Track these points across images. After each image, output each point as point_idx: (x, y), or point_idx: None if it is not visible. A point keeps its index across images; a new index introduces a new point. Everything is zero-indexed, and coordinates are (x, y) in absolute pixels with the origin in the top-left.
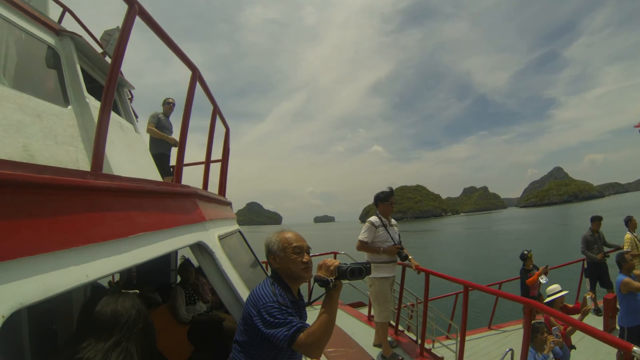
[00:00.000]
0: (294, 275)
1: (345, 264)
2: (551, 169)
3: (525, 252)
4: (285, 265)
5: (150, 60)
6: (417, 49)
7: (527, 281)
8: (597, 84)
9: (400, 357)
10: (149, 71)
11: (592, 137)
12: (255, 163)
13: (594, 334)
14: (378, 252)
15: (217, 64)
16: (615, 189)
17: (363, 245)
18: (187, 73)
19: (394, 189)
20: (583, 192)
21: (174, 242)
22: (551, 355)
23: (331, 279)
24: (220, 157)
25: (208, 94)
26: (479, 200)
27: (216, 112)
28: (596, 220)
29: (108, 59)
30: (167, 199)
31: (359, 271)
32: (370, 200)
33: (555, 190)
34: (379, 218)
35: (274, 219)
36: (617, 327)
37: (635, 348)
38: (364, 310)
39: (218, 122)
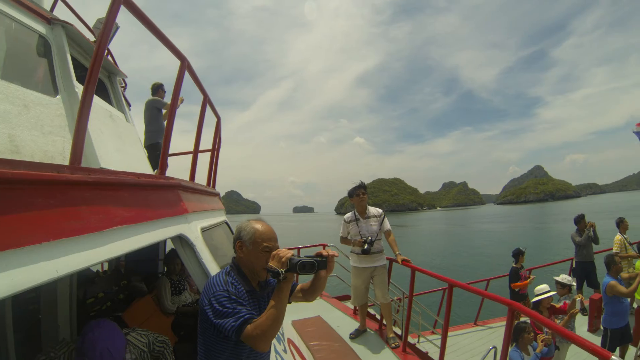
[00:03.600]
0: (254, 270)
1: (298, 256)
2: (532, 167)
3: (522, 249)
4: (250, 259)
5: (136, 44)
6: (407, 41)
7: (513, 285)
8: (583, 85)
9: (353, 334)
10: (134, 55)
11: (575, 138)
12: (238, 151)
13: (573, 340)
14: (350, 245)
15: (205, 49)
16: (593, 189)
17: (342, 240)
18: (176, 59)
19: (365, 182)
20: (560, 192)
21: (152, 235)
22: (532, 351)
23: (282, 271)
24: (209, 147)
25: (198, 84)
26: (458, 196)
27: (206, 101)
28: (581, 219)
29: None
30: (148, 191)
31: (310, 265)
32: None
33: (532, 188)
34: (353, 213)
35: (252, 208)
36: (602, 328)
37: (613, 357)
38: (350, 304)
39: (208, 111)
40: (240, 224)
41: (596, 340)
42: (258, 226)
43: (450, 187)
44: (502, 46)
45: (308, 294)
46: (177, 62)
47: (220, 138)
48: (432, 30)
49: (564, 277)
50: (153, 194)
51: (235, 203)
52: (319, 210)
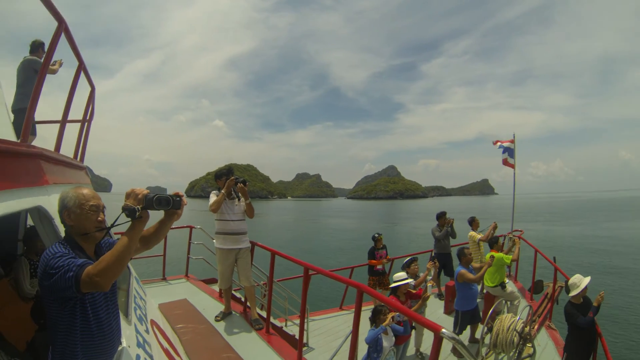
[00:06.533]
0: (87, 233)
1: (155, 193)
2: (386, 167)
3: (376, 236)
4: (80, 223)
5: None
6: (286, 31)
7: (369, 262)
8: (444, 100)
9: (218, 317)
10: None
11: (430, 145)
12: (93, 122)
13: (411, 317)
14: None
15: (78, 2)
16: (440, 192)
17: (214, 204)
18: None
19: (219, 166)
20: (409, 191)
21: (6, 206)
22: (390, 332)
23: (138, 207)
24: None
25: (74, 49)
26: (311, 187)
27: (81, 69)
28: (442, 216)
29: None
30: (6, 159)
31: (165, 201)
32: (202, 174)
33: (383, 186)
34: (219, 189)
35: (103, 185)
36: (455, 310)
37: (443, 330)
38: (217, 287)
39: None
40: (61, 194)
41: (450, 320)
42: (79, 190)
43: (304, 178)
44: (377, 52)
45: (149, 240)
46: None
47: (93, 109)
48: (313, 26)
49: (400, 275)
50: (10, 162)
51: None
52: (172, 192)
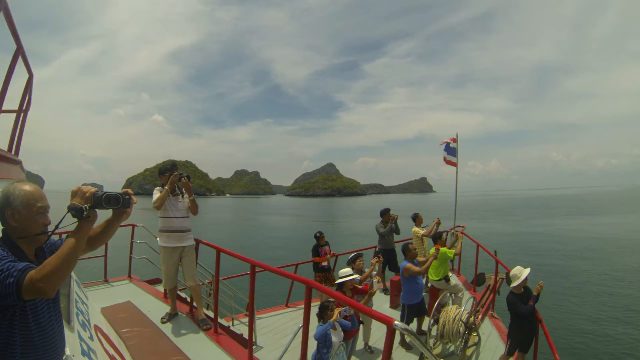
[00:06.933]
0: (30, 236)
1: (104, 191)
2: (325, 164)
3: (318, 235)
4: (25, 225)
5: None
6: (231, 25)
7: (314, 259)
8: (385, 99)
9: (164, 319)
10: None
11: (370, 143)
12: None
13: (362, 311)
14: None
15: None
16: (379, 189)
17: (157, 201)
18: None
19: (157, 163)
20: (347, 189)
21: None
22: (339, 327)
23: (85, 207)
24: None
25: (13, 32)
26: (249, 184)
27: (20, 53)
28: (386, 213)
29: None
30: None
31: (115, 199)
32: (139, 171)
33: (321, 183)
34: (163, 186)
35: (34, 182)
36: (401, 304)
37: (396, 322)
38: (161, 287)
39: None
40: (3, 189)
41: (396, 314)
42: (27, 187)
43: (242, 175)
44: (320, 50)
45: (96, 240)
46: None
47: (30, 98)
48: (258, 21)
49: (346, 271)
50: None
51: None
52: (109, 189)
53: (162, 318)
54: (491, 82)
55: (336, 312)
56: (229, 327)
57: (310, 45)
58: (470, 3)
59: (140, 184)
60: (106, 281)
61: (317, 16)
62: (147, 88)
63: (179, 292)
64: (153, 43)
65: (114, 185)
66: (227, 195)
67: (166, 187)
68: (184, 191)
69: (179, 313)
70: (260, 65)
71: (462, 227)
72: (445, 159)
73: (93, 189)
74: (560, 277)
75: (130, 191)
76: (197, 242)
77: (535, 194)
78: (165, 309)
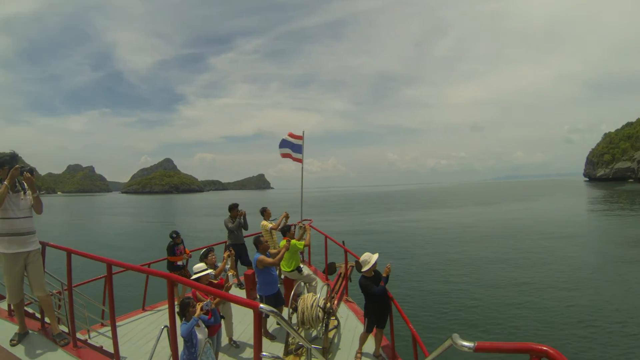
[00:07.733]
0: None
1: None
2: (162, 160)
3: (174, 235)
4: None
5: None
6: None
7: (169, 258)
8: (227, 94)
9: (14, 340)
10: None
11: (208, 138)
12: None
13: (228, 299)
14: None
15: None
16: (217, 186)
17: None
18: None
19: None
20: (185, 185)
21: None
22: (202, 323)
23: None
24: None
25: None
26: (83, 181)
27: None
28: (234, 208)
29: None
30: None
31: None
32: None
33: (158, 180)
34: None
35: None
36: (258, 296)
37: (261, 305)
38: (4, 304)
39: None
40: None
41: None
42: None
43: (76, 170)
44: (168, 39)
45: None
46: None
47: None
48: None
49: (200, 266)
50: None
51: None
52: None
53: (11, 340)
54: (334, 85)
55: (198, 307)
56: (87, 340)
57: (158, 32)
58: (327, 9)
59: None
60: None
61: (170, 2)
62: None
63: (25, 308)
64: None
65: None
66: (58, 193)
67: (5, 183)
68: (27, 187)
69: (30, 331)
70: (102, 48)
71: (310, 220)
72: (289, 155)
73: None
74: (403, 261)
75: None
76: (44, 245)
77: (372, 190)
78: (13, 328)
